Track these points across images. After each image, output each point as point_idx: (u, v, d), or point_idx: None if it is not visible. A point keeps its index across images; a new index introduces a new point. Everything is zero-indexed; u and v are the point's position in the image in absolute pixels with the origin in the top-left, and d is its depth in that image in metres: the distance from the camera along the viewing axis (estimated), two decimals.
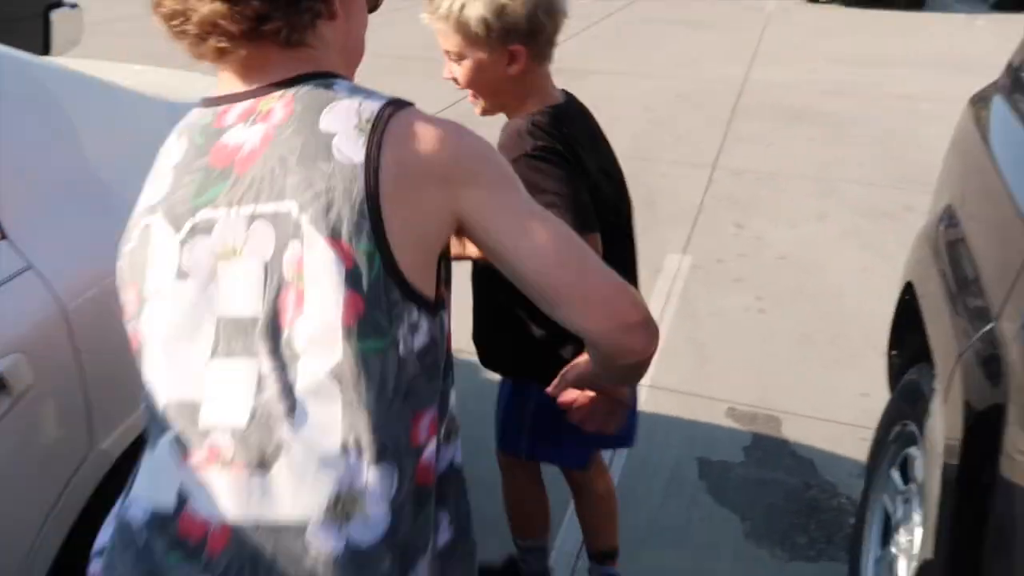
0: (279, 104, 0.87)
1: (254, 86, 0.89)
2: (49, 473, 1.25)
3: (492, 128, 1.40)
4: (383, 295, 0.83)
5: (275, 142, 0.85)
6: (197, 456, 0.86)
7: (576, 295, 0.89)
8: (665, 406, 2.78)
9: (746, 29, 10.44)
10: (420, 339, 0.87)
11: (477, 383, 2.12)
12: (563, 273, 0.89)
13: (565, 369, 1.20)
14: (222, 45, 0.86)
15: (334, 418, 0.83)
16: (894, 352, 2.13)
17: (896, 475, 1.76)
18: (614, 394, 1.30)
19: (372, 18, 1.01)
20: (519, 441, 1.73)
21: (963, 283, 1.60)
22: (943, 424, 1.45)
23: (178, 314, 0.87)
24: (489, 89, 1.47)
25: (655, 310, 3.33)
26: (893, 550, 1.68)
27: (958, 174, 2.03)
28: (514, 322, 1.53)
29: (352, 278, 0.82)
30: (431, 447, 0.90)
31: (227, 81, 0.91)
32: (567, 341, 1.42)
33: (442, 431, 0.94)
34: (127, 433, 1.35)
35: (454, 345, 0.97)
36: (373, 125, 0.85)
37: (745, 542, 2.21)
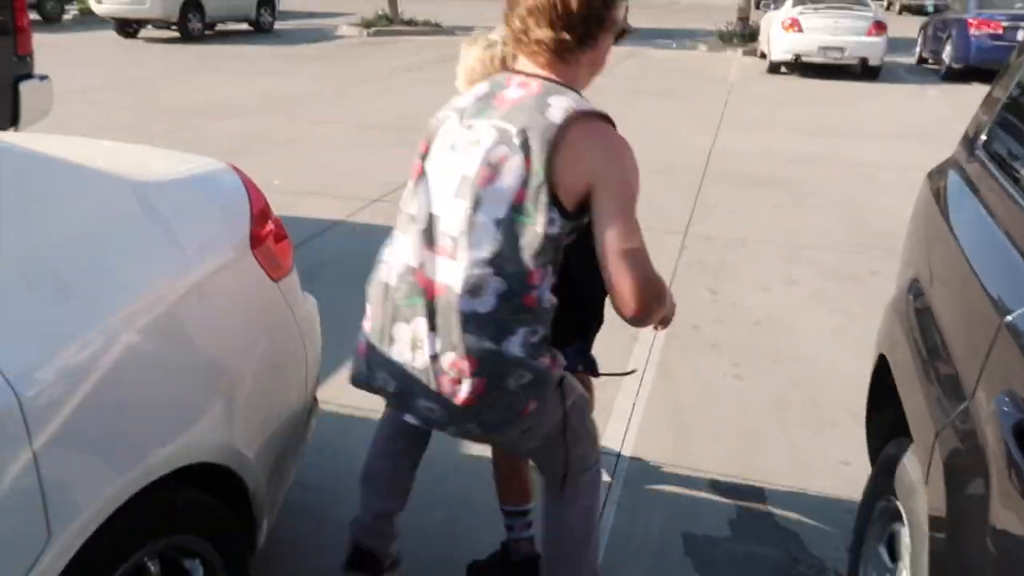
0: (535, 84, 1.59)
1: (531, 72, 1.62)
2: (3, 563, 1.19)
3: None
4: (536, 195, 1.52)
5: (525, 99, 1.58)
6: (431, 245, 1.61)
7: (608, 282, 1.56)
8: (647, 479, 2.77)
9: (709, 99, 10.77)
10: (553, 229, 1.54)
11: None
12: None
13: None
14: (537, 52, 1.60)
15: (493, 239, 1.56)
16: (871, 424, 2.15)
17: (883, 552, 1.76)
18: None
19: None
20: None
21: (935, 359, 1.63)
22: (926, 503, 1.46)
23: (445, 166, 1.62)
24: None
25: (633, 378, 3.36)
26: None
27: (922, 247, 2.08)
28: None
29: (524, 179, 1.53)
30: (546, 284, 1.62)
31: (522, 64, 1.64)
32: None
33: (548, 281, 1.62)
34: (86, 525, 1.29)
35: None
36: (574, 112, 1.53)
37: None
